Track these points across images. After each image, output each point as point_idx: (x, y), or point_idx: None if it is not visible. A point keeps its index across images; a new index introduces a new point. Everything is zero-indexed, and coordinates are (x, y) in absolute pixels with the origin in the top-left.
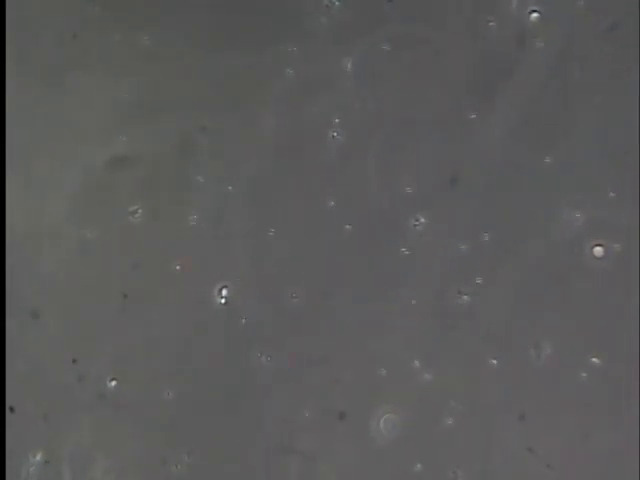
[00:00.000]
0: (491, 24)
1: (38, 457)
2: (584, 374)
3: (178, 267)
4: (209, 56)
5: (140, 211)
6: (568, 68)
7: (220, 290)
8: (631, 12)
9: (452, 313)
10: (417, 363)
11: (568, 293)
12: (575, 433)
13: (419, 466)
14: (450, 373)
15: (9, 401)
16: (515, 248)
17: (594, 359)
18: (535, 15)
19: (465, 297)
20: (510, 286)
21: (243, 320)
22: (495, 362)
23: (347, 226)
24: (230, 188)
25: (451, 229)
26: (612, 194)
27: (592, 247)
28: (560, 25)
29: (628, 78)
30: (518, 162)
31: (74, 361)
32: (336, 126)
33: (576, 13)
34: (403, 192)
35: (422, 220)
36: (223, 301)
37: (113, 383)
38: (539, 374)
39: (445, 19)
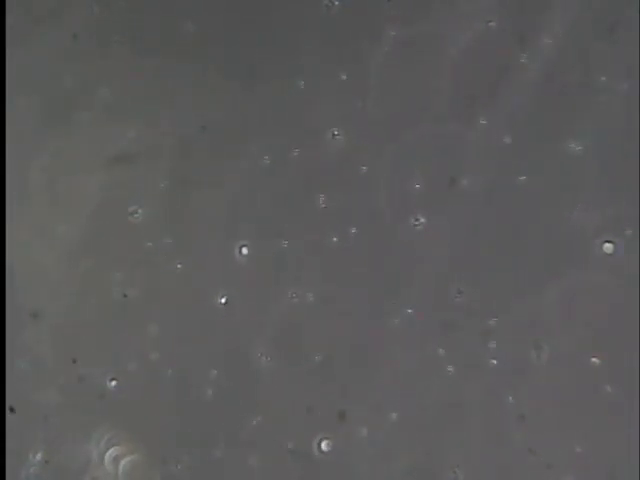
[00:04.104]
0: (491, 24)
1: (38, 457)
2: (584, 374)
3: (179, 266)
4: (209, 55)
5: (140, 211)
6: (568, 68)
7: (221, 290)
8: (631, 12)
9: (452, 313)
10: (417, 362)
11: (568, 293)
12: (575, 433)
13: (419, 465)
14: (450, 373)
15: (9, 401)
16: (514, 248)
17: (594, 359)
18: (535, 15)
19: (465, 297)
20: (510, 285)
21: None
22: (495, 362)
23: (346, 226)
24: (230, 188)
25: (451, 229)
26: (612, 194)
27: (593, 247)
28: (560, 25)
29: (628, 78)
30: (518, 162)
31: (74, 361)
32: (336, 126)
33: (576, 13)
34: (403, 192)
35: (422, 220)
36: (223, 301)
37: (113, 383)
38: (539, 374)
39: (445, 19)
